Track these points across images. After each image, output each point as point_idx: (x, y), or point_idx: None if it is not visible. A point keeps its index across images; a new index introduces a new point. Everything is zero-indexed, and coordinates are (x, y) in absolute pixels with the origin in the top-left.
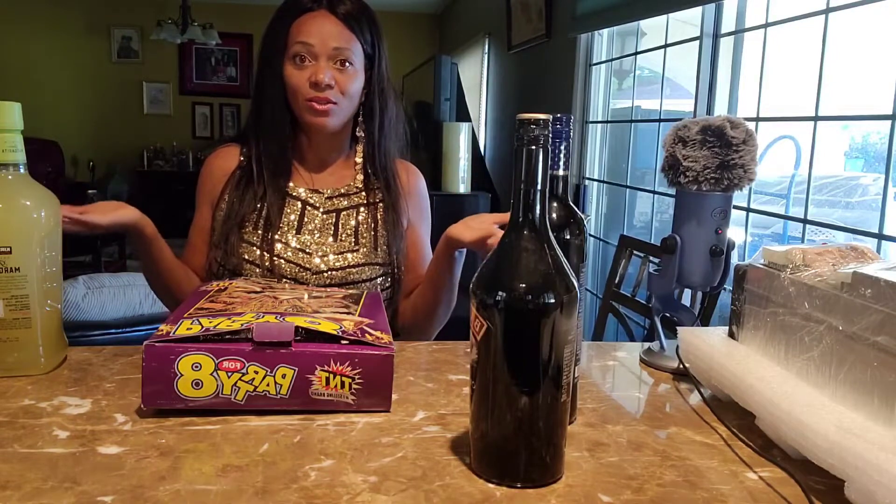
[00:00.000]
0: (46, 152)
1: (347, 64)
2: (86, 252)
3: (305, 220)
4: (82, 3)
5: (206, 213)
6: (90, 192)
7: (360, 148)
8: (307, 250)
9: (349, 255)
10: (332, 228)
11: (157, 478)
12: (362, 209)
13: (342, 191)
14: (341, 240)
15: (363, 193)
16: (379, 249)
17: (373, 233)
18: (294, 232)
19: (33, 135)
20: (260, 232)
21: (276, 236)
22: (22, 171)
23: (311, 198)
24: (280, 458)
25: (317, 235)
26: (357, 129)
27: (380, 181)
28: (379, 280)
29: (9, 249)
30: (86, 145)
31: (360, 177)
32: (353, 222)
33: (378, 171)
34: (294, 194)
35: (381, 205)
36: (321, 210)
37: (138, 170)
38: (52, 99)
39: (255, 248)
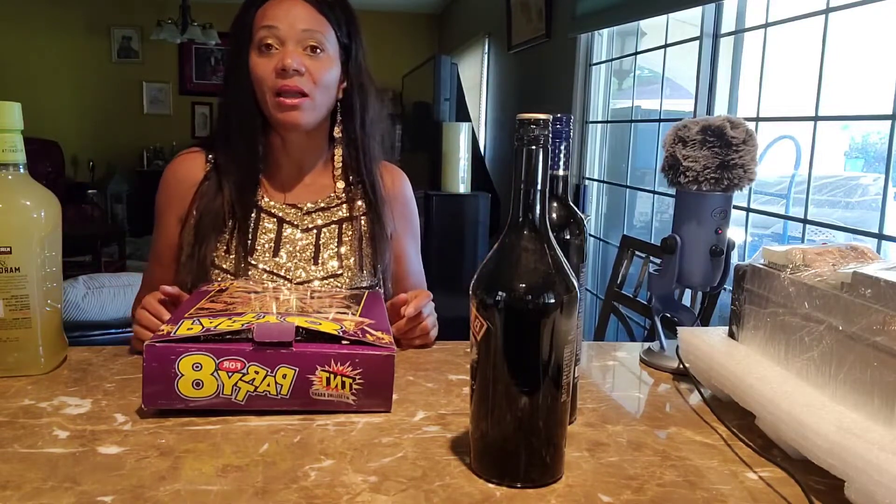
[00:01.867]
0: (46, 152)
1: (319, 50)
2: (86, 252)
3: (283, 240)
4: (82, 3)
5: (175, 226)
6: (90, 191)
7: (338, 151)
8: (287, 276)
9: (332, 281)
10: (313, 250)
11: (157, 478)
12: (345, 225)
13: (322, 204)
14: (323, 261)
15: (345, 206)
16: (364, 271)
17: (357, 254)
18: (271, 255)
19: (33, 135)
20: (233, 257)
21: (251, 260)
22: (22, 171)
23: (287, 214)
24: (280, 458)
25: (296, 259)
26: (335, 129)
27: (363, 186)
28: None
29: (9, 249)
30: (86, 145)
31: (341, 185)
32: (334, 243)
33: (362, 175)
34: (269, 210)
35: (364, 218)
36: (300, 228)
37: (138, 170)
38: (52, 99)
39: (229, 276)
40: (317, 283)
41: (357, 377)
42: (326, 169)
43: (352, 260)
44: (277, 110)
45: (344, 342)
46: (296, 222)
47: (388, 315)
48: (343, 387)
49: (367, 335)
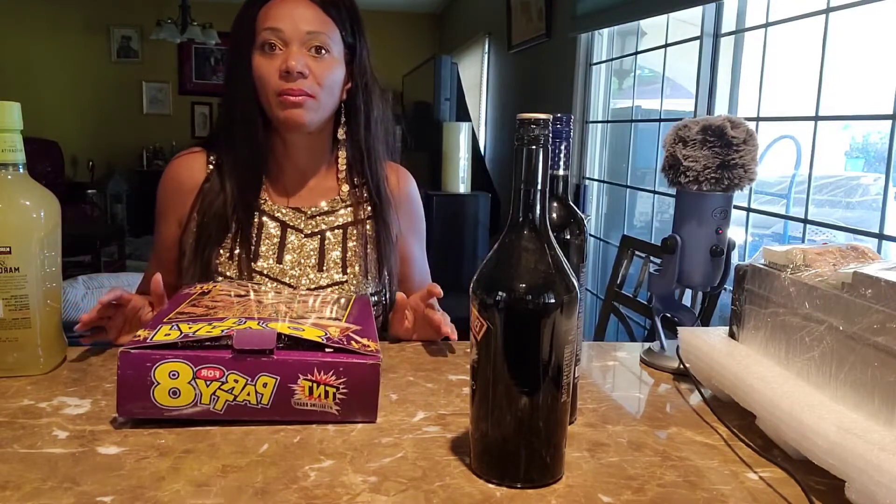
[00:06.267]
0: (46, 152)
1: (324, 51)
2: (85, 252)
3: (287, 244)
4: (82, 3)
5: (175, 229)
6: (90, 191)
7: (342, 154)
8: (290, 283)
9: (336, 288)
10: (317, 256)
11: (156, 478)
12: (350, 229)
13: (326, 208)
14: (328, 268)
15: (350, 209)
16: (369, 276)
17: (362, 260)
18: (275, 260)
19: (33, 135)
20: (235, 263)
21: (254, 266)
22: (21, 171)
23: (291, 218)
24: (280, 459)
25: (300, 265)
26: (339, 131)
27: (367, 188)
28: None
29: (8, 249)
30: (85, 145)
31: (346, 187)
32: (339, 249)
33: (367, 176)
34: (272, 214)
35: (369, 222)
36: (303, 233)
37: (137, 169)
38: (52, 99)
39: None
40: (321, 290)
41: (341, 387)
42: (330, 172)
43: (357, 267)
44: (281, 109)
45: (328, 350)
46: (300, 226)
47: (399, 312)
48: (326, 396)
49: (353, 342)
